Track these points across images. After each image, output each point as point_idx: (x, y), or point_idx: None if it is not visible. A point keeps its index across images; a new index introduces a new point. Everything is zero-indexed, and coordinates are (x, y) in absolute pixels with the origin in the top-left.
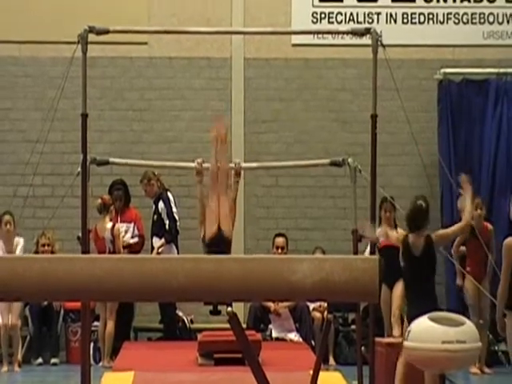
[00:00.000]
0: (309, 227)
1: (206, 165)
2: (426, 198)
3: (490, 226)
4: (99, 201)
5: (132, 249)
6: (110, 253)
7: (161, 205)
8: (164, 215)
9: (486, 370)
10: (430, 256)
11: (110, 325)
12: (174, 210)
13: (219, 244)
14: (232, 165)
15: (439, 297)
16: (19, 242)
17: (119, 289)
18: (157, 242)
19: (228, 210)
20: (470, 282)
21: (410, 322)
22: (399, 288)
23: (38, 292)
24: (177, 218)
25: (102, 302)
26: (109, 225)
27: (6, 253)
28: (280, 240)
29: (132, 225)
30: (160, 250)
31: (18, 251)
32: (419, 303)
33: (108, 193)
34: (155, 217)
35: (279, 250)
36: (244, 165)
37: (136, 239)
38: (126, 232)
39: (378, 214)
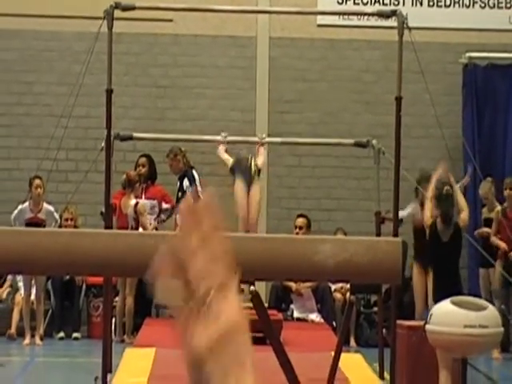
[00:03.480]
0: (331, 208)
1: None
2: (449, 182)
3: None
4: (124, 176)
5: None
6: (131, 230)
7: (186, 182)
8: (188, 193)
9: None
10: (457, 241)
11: (130, 301)
12: (199, 188)
13: None
14: (256, 138)
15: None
16: (51, 211)
17: (141, 264)
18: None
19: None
20: (497, 268)
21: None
22: None
23: (62, 266)
24: (201, 196)
25: (123, 278)
26: (132, 201)
27: (34, 215)
28: (300, 220)
29: (156, 202)
30: None
31: (52, 221)
32: (445, 286)
33: (134, 169)
34: (179, 194)
35: (298, 230)
36: (268, 139)
37: (163, 217)
38: (152, 209)
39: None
